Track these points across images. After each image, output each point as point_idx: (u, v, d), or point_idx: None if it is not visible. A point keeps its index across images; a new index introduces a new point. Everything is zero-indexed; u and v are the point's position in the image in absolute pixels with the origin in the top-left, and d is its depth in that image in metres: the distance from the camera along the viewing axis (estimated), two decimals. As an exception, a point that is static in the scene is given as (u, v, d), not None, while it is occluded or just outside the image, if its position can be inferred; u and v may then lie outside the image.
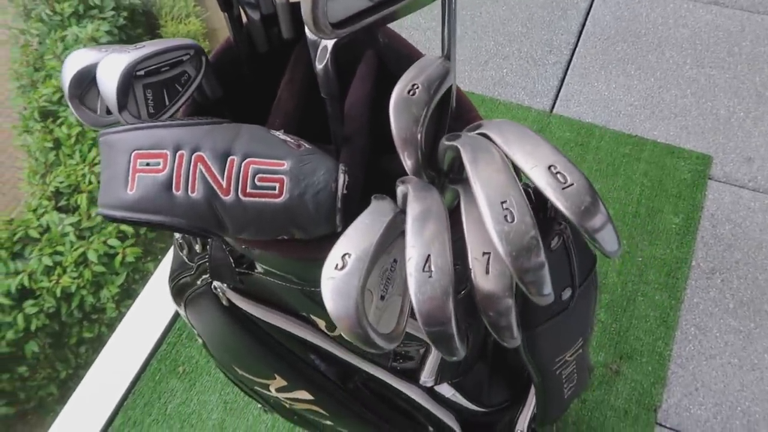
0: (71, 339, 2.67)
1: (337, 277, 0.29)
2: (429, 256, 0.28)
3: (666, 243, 1.28)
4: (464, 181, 0.32)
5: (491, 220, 0.27)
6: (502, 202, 0.28)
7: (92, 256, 2.45)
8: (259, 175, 0.39)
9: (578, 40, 1.62)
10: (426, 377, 0.70)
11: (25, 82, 3.07)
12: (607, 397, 1.13)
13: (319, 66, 0.42)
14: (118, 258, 2.52)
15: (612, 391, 1.13)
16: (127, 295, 2.54)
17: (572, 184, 0.29)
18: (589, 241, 0.29)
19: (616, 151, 1.41)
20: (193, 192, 0.38)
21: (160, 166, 0.37)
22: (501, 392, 0.79)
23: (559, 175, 0.29)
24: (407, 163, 0.33)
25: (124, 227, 2.51)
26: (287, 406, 0.77)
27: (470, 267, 0.29)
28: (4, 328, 2.45)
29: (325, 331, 0.60)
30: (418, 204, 0.30)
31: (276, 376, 0.68)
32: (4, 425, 2.79)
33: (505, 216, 0.27)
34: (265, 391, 0.74)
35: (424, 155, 0.34)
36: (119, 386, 1.19)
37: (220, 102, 0.50)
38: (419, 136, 0.33)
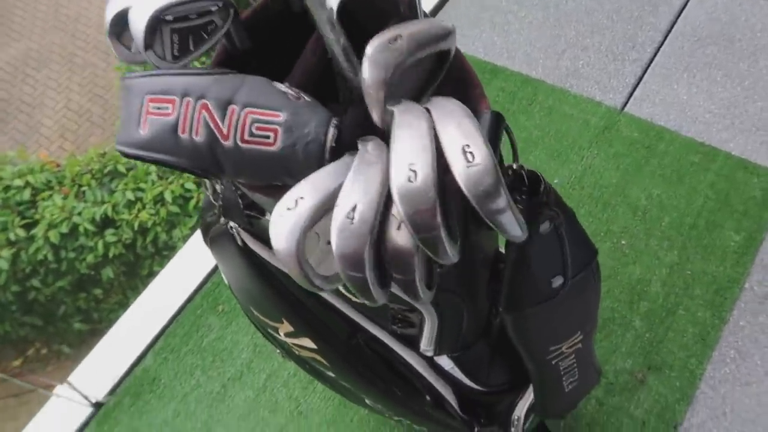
0: (143, 270, 2.87)
1: (285, 216, 0.32)
2: (356, 205, 0.30)
3: (720, 260, 1.22)
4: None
5: (394, 178, 0.29)
6: (410, 164, 0.29)
7: (168, 197, 2.60)
8: (257, 124, 0.42)
9: (665, 39, 1.54)
10: (425, 346, 0.72)
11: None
12: (626, 404, 1.10)
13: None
14: (193, 201, 2.66)
15: (633, 400, 1.11)
16: (197, 237, 2.68)
17: (478, 165, 0.29)
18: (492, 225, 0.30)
19: (684, 158, 1.35)
20: (196, 136, 0.42)
21: (169, 111, 0.41)
22: (501, 374, 0.79)
23: (468, 154, 0.29)
24: (373, 114, 0.35)
25: (200, 173, 2.65)
26: (296, 353, 0.82)
27: (389, 221, 0.31)
28: (86, 252, 2.67)
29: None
30: (364, 164, 0.32)
31: (283, 320, 0.72)
32: (77, 338, 3.07)
33: (409, 177, 0.29)
34: (275, 335, 0.79)
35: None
36: (164, 314, 1.29)
37: (248, 53, 0.53)
38: (382, 84, 0.34)
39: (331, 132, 0.42)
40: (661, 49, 1.53)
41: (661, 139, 1.38)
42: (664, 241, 1.25)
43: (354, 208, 0.30)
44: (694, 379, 1.11)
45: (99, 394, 1.21)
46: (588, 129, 1.43)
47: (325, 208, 0.33)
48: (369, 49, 0.35)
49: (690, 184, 1.32)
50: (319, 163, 0.43)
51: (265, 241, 0.64)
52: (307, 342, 0.74)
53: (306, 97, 0.44)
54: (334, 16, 0.43)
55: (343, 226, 0.30)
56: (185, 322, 1.27)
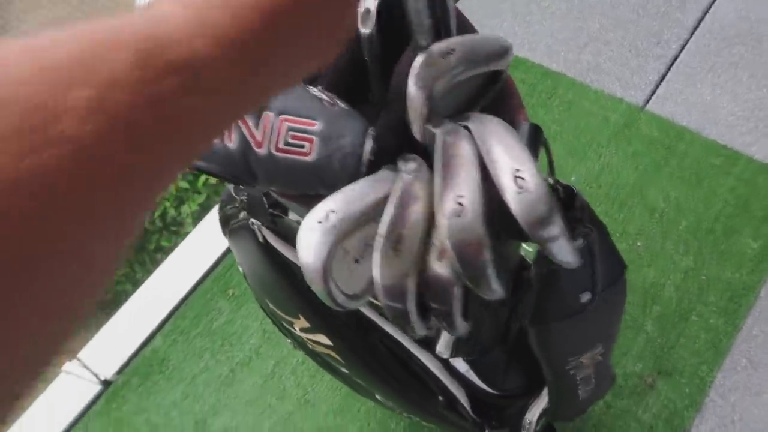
0: (150, 245, 2.87)
1: (316, 229, 0.31)
2: (401, 235, 0.29)
3: (736, 266, 1.21)
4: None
5: (442, 212, 0.28)
6: (458, 197, 0.28)
7: (178, 172, 2.59)
8: (291, 133, 0.41)
9: (691, 36, 1.51)
10: (441, 348, 0.71)
11: None
12: (634, 408, 1.10)
13: (364, 31, 0.43)
14: (202, 178, 2.65)
15: (641, 404, 1.10)
16: (205, 214, 2.69)
17: (529, 191, 0.28)
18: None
19: (704, 160, 1.33)
20: (230, 142, 0.40)
21: (202, 114, 0.40)
22: (516, 379, 0.79)
23: (519, 180, 0.28)
24: (413, 126, 0.34)
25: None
26: (310, 347, 0.82)
27: (430, 248, 0.30)
28: (94, 224, 2.68)
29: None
30: (406, 190, 0.31)
31: (300, 316, 0.72)
32: (83, 310, 3.10)
33: (457, 211, 0.28)
34: (290, 329, 0.78)
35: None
36: (174, 296, 1.28)
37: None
38: (426, 99, 0.33)
39: (368, 144, 0.41)
40: (687, 46, 1.50)
41: (681, 140, 1.36)
42: (680, 245, 1.24)
43: (399, 239, 0.29)
44: (704, 386, 1.11)
45: (108, 372, 1.22)
46: (607, 126, 1.40)
47: (356, 225, 0.31)
48: (418, 60, 0.34)
49: (709, 187, 1.30)
50: (355, 176, 0.41)
51: (288, 239, 0.63)
52: (323, 338, 0.74)
53: (341, 104, 0.42)
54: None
55: (389, 257, 0.29)
56: (195, 305, 1.27)
